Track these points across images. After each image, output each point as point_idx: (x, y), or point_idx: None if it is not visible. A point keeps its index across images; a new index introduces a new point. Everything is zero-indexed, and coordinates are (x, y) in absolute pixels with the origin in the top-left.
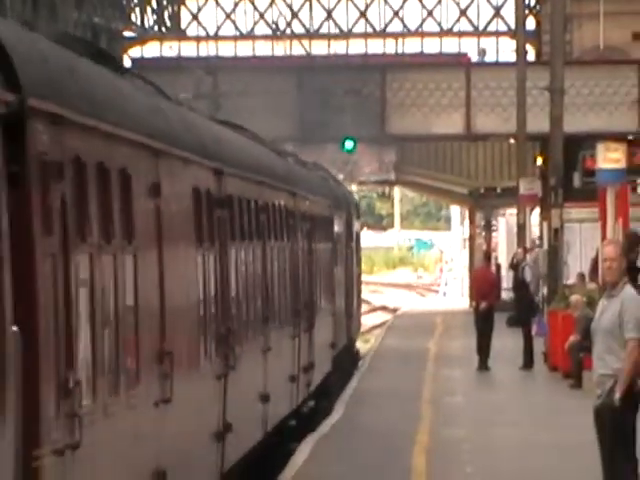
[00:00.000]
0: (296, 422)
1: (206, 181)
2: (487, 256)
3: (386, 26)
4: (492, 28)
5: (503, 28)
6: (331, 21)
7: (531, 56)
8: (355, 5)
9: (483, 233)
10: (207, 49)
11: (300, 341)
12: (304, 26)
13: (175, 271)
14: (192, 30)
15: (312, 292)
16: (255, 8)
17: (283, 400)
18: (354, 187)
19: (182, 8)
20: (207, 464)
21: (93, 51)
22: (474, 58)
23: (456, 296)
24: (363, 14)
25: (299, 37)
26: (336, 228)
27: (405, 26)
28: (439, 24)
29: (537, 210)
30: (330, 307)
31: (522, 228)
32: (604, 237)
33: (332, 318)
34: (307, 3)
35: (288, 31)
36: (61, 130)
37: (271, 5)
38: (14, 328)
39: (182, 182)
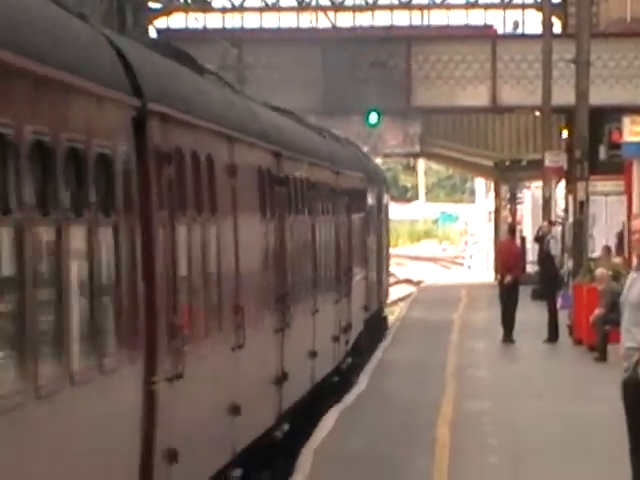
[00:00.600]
0: (337, 378)
1: (268, 162)
2: (512, 229)
3: None
4: (518, 0)
5: (529, 0)
6: None
7: (557, 28)
8: None
9: (508, 206)
10: (232, 21)
11: (340, 304)
12: None
13: (246, 239)
14: (217, 1)
15: (350, 260)
16: None
17: (327, 357)
18: (379, 160)
19: None
20: (270, 404)
21: (174, 53)
22: (500, 30)
23: (481, 269)
24: None
25: (324, 9)
26: (369, 201)
27: None
28: None
29: (562, 183)
30: (363, 274)
31: (547, 201)
32: (630, 210)
33: (365, 284)
34: None
35: (313, 3)
36: (167, 126)
37: None
38: (142, 283)
39: (250, 164)
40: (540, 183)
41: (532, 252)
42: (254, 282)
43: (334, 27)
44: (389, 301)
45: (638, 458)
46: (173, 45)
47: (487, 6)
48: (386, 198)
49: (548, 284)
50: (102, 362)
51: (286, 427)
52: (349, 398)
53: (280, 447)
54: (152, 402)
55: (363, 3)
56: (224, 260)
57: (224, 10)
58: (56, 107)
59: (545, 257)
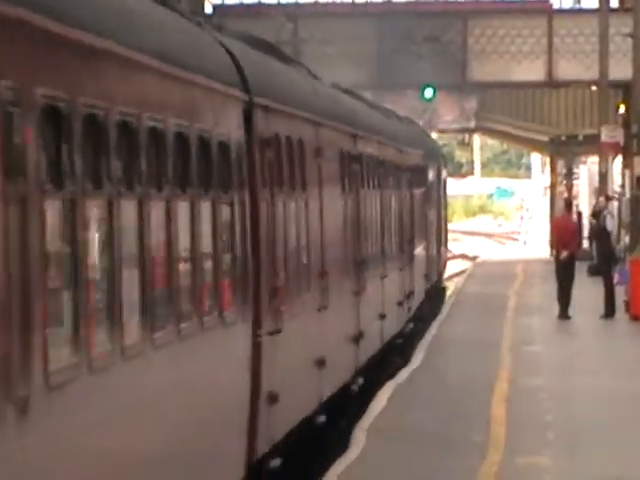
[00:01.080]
0: (402, 340)
1: (346, 143)
2: (568, 204)
3: None
4: None
5: None
6: None
7: (614, 2)
8: None
9: (564, 181)
10: None
11: (404, 272)
12: None
13: (330, 212)
14: None
15: (412, 231)
16: None
17: (394, 320)
18: (434, 135)
19: None
20: (349, 359)
21: (265, 46)
22: (556, 5)
23: (536, 245)
24: None
25: None
26: (429, 177)
27: None
28: None
29: (619, 158)
30: (424, 245)
31: (604, 176)
32: None
33: (426, 254)
34: None
35: None
36: (268, 116)
37: None
38: (250, 251)
39: (332, 145)
40: (596, 158)
41: (589, 228)
42: (336, 250)
43: (389, 1)
44: (445, 277)
45: None
46: (262, 39)
47: None
48: (444, 174)
49: (604, 260)
50: (223, 317)
51: (361, 381)
52: (403, 374)
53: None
54: (258, 352)
55: None
56: (313, 230)
57: None
58: (193, 104)
59: (601, 233)
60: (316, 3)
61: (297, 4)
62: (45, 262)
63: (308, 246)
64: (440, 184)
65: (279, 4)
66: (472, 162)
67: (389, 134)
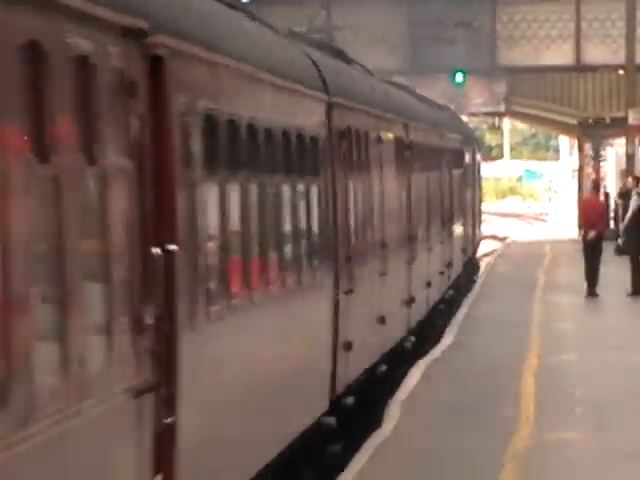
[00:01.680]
0: (444, 306)
1: (400, 132)
2: (596, 185)
3: None
4: None
5: None
6: None
7: None
8: None
9: (592, 163)
10: None
11: (445, 245)
12: None
13: (388, 192)
14: None
15: (452, 209)
16: None
17: (437, 287)
18: (464, 118)
19: None
20: (403, 319)
21: (333, 50)
22: None
23: (565, 225)
24: None
25: None
26: (465, 160)
27: None
28: None
29: None
30: (462, 220)
31: (631, 158)
32: None
33: (463, 231)
34: None
35: None
36: (342, 112)
37: None
38: (332, 226)
39: (389, 134)
40: (623, 140)
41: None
42: (393, 225)
43: None
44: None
45: None
46: (331, 45)
47: None
48: (478, 157)
49: (634, 239)
50: (315, 276)
51: (412, 339)
52: (436, 351)
53: (407, 356)
54: (336, 307)
55: None
56: (376, 208)
57: None
58: (293, 107)
59: (633, 214)
60: None
61: None
62: (226, 231)
63: (372, 222)
64: (475, 167)
65: None
66: (502, 145)
67: (432, 122)
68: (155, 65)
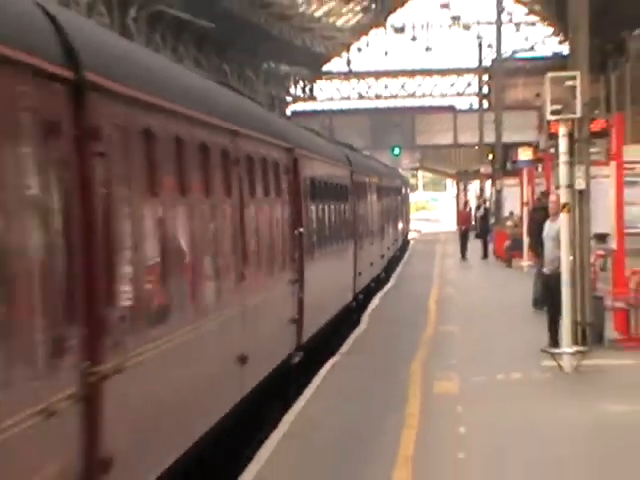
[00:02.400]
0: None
1: (378, 180)
2: (465, 203)
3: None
4: (470, 90)
5: (470, 91)
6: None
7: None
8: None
9: (462, 193)
10: (328, 104)
11: (395, 230)
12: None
13: (366, 209)
14: (320, 95)
15: (397, 214)
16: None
17: (378, 265)
18: (401, 171)
19: (314, 85)
20: (351, 286)
21: (349, 146)
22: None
23: (449, 224)
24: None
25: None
26: (402, 191)
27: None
28: None
29: (489, 181)
30: (403, 220)
31: (482, 190)
32: (521, 194)
33: (403, 224)
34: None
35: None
36: (358, 172)
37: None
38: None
39: (375, 180)
40: (478, 181)
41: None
42: (365, 224)
43: (377, 108)
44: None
45: (552, 320)
46: (347, 143)
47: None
48: (408, 190)
49: (483, 230)
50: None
51: (372, 284)
52: (386, 289)
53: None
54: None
55: (388, 94)
56: (349, 220)
57: (322, 101)
58: (338, 172)
59: (481, 217)
60: (341, 110)
61: (332, 111)
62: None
63: (345, 224)
64: (407, 194)
65: (323, 110)
66: (417, 184)
67: (388, 174)
68: None
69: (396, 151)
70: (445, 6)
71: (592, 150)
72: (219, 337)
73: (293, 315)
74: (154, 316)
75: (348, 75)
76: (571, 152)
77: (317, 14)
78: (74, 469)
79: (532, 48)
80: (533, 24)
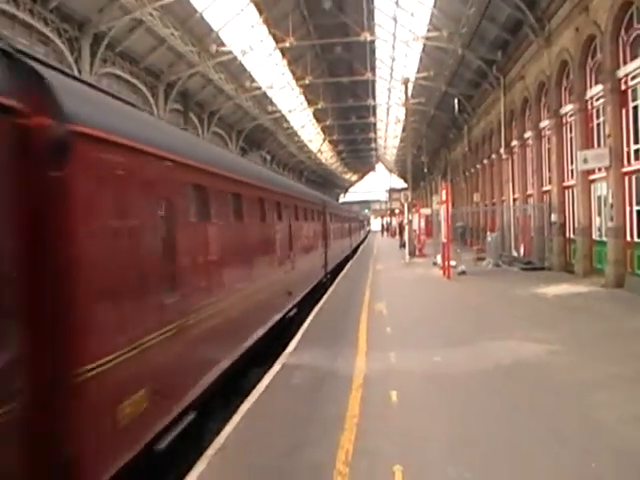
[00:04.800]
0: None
1: (352, 216)
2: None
3: None
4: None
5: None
6: None
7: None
8: None
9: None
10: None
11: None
12: None
13: (334, 230)
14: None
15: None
16: None
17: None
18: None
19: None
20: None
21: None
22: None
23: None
24: None
25: None
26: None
27: None
28: None
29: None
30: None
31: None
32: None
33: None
34: None
35: None
36: (331, 211)
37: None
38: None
39: (348, 218)
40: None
41: None
42: (336, 238)
43: None
44: None
45: None
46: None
47: None
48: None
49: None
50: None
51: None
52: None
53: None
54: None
55: None
56: (315, 240)
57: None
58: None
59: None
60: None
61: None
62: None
63: (314, 238)
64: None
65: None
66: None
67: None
68: None
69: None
70: None
71: None
72: (281, 282)
73: (324, 263)
74: (256, 273)
75: None
76: None
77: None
78: None
79: None
80: None
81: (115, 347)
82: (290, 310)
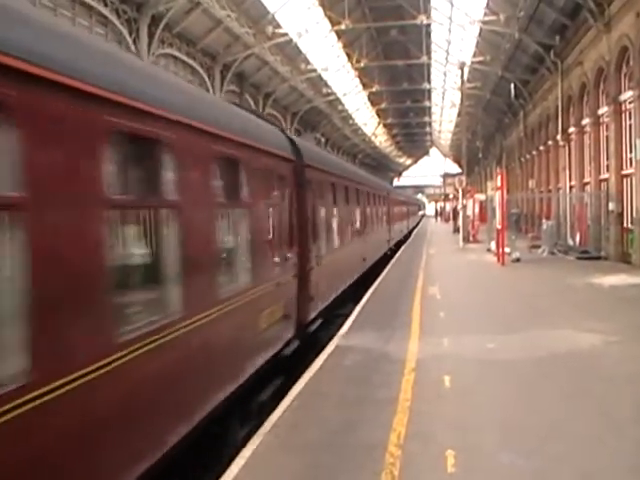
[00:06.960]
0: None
1: (386, 193)
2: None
3: None
4: None
5: None
6: None
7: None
8: None
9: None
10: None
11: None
12: None
13: (363, 212)
14: None
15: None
16: None
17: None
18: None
19: None
20: (379, 255)
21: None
22: None
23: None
24: None
25: None
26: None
27: None
28: None
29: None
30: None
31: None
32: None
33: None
34: None
35: None
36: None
37: None
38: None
39: (383, 195)
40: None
41: None
42: (370, 224)
43: None
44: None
45: None
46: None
47: None
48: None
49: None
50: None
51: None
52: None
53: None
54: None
55: None
56: (355, 220)
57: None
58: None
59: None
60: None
61: None
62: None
63: (352, 222)
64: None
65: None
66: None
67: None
68: None
69: None
70: None
71: None
72: (357, 251)
73: (388, 238)
74: (339, 246)
75: None
76: None
77: None
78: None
79: None
80: None
81: (317, 262)
82: (365, 272)
